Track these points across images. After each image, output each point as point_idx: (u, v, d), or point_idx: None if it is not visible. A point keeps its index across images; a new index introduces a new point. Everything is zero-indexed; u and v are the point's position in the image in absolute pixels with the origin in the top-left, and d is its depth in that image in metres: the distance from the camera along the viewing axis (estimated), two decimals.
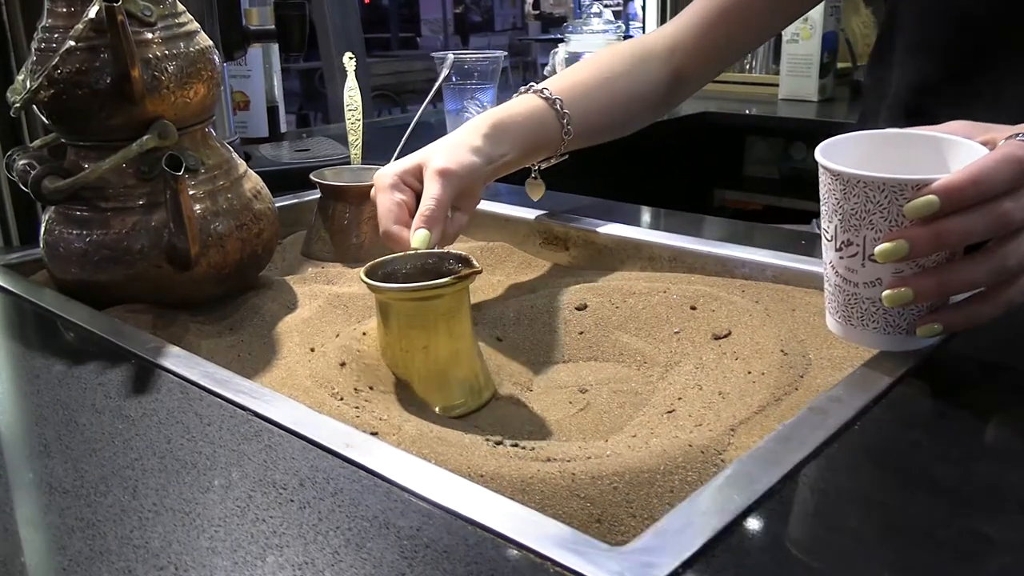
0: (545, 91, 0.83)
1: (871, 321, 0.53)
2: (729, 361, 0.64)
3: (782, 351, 0.63)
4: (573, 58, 2.12)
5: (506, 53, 1.33)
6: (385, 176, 0.72)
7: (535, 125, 0.81)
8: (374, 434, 0.52)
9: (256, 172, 0.79)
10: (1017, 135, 0.50)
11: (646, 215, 0.94)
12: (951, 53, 0.84)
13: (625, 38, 2.10)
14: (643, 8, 2.33)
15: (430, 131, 1.37)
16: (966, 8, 0.82)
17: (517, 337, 0.72)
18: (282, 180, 1.03)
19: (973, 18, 0.81)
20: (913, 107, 0.88)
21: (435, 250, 0.64)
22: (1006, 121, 0.54)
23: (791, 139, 1.87)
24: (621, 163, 1.52)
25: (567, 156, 0.87)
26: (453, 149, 0.73)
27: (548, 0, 9.20)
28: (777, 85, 1.81)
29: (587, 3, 1.94)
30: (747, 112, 1.74)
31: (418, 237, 0.65)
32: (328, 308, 0.75)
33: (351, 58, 1.01)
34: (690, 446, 0.49)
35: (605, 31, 2.07)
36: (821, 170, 0.53)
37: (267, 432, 0.46)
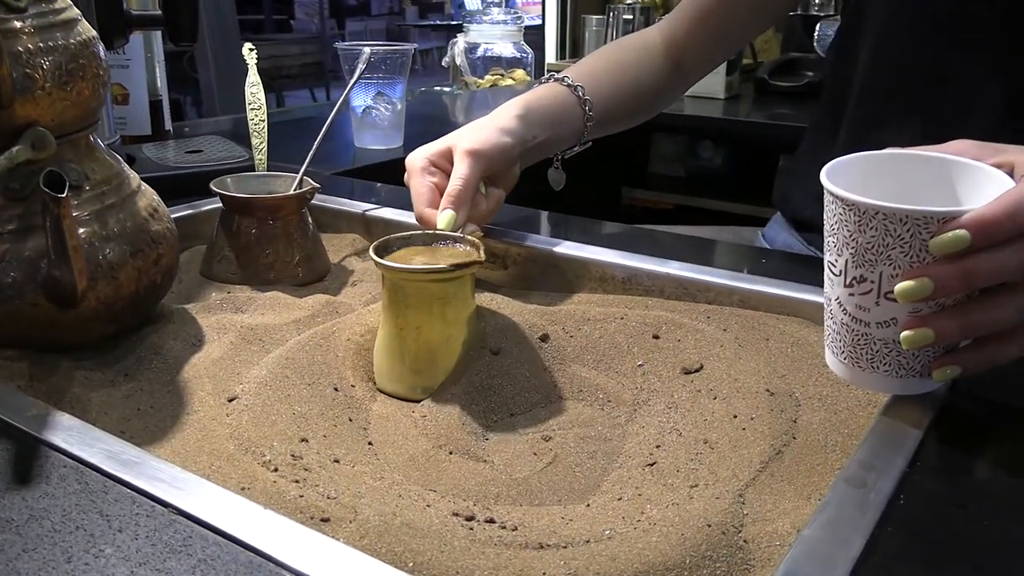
0: (566, 79, 0.85)
1: (882, 364, 0.48)
2: (707, 401, 0.58)
3: (767, 390, 0.57)
4: (471, 48, 2.04)
5: (416, 45, 1.23)
6: (417, 160, 0.74)
7: (560, 109, 0.84)
8: (325, 520, 0.43)
9: (141, 177, 0.68)
10: None
11: (582, 226, 0.86)
12: (921, 51, 0.79)
13: (525, 29, 2.04)
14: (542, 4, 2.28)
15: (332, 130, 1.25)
16: (937, 3, 0.77)
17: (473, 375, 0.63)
18: (172, 186, 0.90)
19: (945, 13, 0.77)
20: (880, 108, 0.84)
21: (453, 233, 0.66)
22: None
23: (698, 137, 1.84)
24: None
25: (590, 144, 0.89)
26: (481, 130, 0.75)
27: None
28: None
29: None
30: None
31: (443, 218, 0.67)
32: (241, 344, 0.64)
33: (251, 49, 0.89)
34: (708, 525, 0.42)
35: (504, 21, 2.00)
36: (830, 198, 0.47)
37: (199, 539, 0.36)
